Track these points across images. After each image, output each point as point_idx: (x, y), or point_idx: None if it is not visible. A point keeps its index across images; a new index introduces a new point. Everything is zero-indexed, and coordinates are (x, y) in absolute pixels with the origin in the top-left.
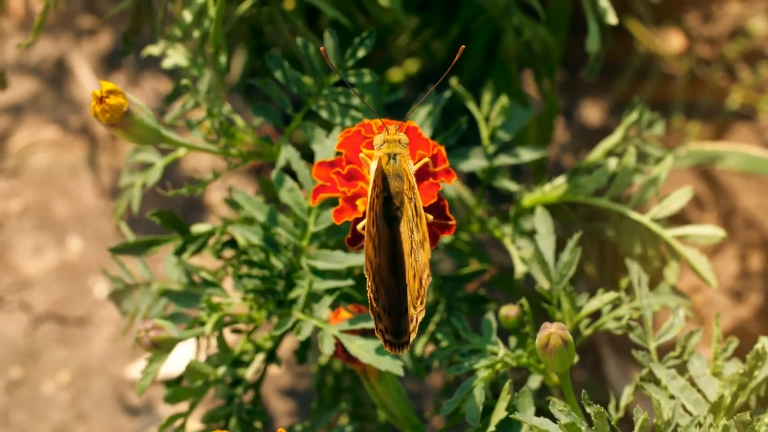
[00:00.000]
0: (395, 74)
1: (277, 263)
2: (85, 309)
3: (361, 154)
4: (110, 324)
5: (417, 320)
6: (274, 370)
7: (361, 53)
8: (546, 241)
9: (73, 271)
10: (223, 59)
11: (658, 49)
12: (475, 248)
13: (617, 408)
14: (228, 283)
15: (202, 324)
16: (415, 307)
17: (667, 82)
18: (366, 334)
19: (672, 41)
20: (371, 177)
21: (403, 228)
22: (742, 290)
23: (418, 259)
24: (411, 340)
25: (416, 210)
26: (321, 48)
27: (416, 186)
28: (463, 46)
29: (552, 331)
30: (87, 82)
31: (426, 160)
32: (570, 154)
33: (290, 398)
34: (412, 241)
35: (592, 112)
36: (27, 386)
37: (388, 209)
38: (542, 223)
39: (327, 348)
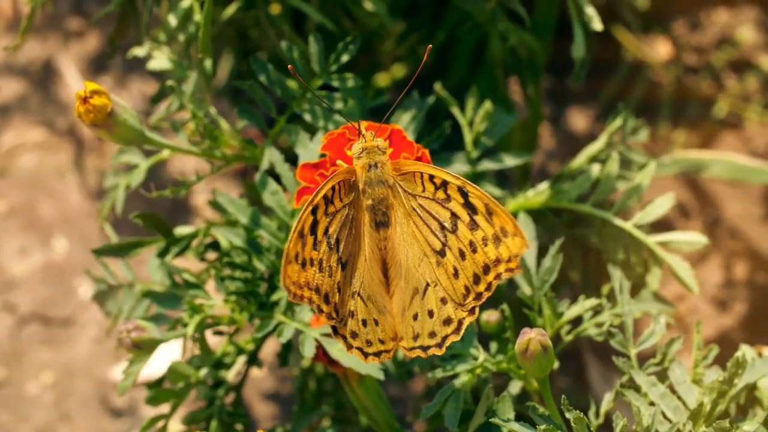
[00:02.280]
0: (382, 79)
1: (260, 265)
2: (70, 310)
3: (338, 161)
4: (95, 325)
5: (461, 324)
6: (257, 373)
7: (345, 58)
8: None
9: (58, 272)
10: (208, 63)
11: (645, 56)
12: None
13: (597, 414)
14: (211, 285)
15: (185, 325)
16: (463, 304)
17: (654, 89)
18: None
19: (659, 49)
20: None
21: (400, 230)
22: (727, 299)
23: (476, 253)
24: (448, 343)
25: (473, 208)
26: (290, 66)
27: (470, 183)
28: (430, 46)
29: (531, 337)
30: (74, 84)
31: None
32: (556, 160)
33: (273, 402)
34: (451, 239)
35: (578, 119)
36: (11, 387)
37: (374, 216)
38: (525, 229)
39: (308, 351)
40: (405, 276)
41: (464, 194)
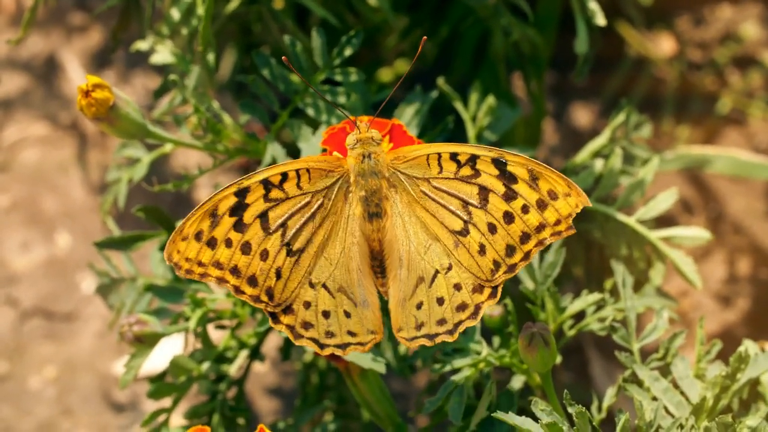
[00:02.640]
0: (385, 74)
1: None
2: (73, 305)
3: (335, 153)
4: (97, 320)
5: (478, 308)
6: (259, 368)
7: (347, 52)
8: None
9: (61, 266)
10: (211, 57)
11: (648, 52)
12: None
13: (600, 409)
14: None
15: (187, 319)
16: (480, 286)
17: (658, 85)
18: None
19: (663, 45)
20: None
21: (399, 221)
22: (730, 295)
23: (496, 233)
24: (460, 329)
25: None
26: (283, 57)
27: (546, 167)
28: (425, 38)
29: (534, 331)
30: (77, 79)
31: None
32: (559, 156)
33: (276, 397)
34: (469, 224)
35: (582, 115)
36: (13, 381)
37: (366, 207)
38: None
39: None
40: (407, 266)
41: (501, 164)
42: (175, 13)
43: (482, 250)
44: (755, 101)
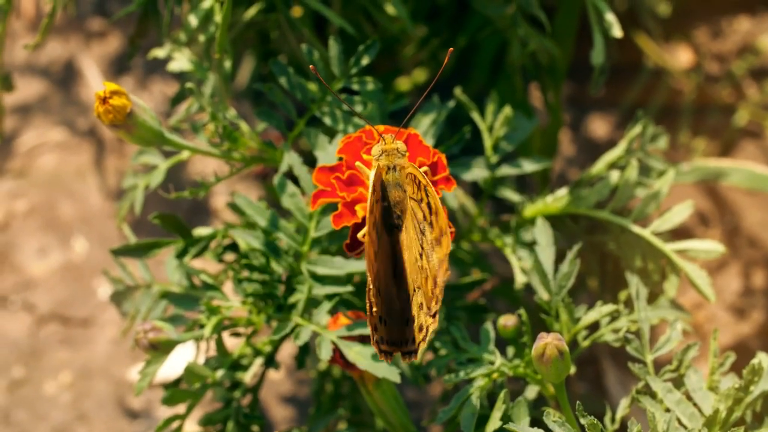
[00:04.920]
0: (403, 83)
1: (278, 268)
2: (89, 310)
3: (357, 163)
4: (113, 326)
5: (428, 330)
6: (274, 376)
7: (365, 61)
8: (546, 252)
9: (77, 272)
10: (228, 64)
11: (666, 63)
12: (477, 258)
13: (613, 420)
14: (228, 287)
15: (202, 327)
16: (429, 308)
17: (675, 97)
18: (364, 340)
19: (680, 56)
20: (370, 182)
21: (406, 236)
22: (745, 307)
23: (431, 259)
24: (420, 349)
25: (430, 208)
26: (311, 66)
27: (429, 183)
28: (451, 48)
29: (548, 341)
30: (95, 85)
31: (426, 168)
32: (576, 167)
33: (291, 405)
34: (423, 242)
35: (599, 126)
36: (29, 386)
37: (388, 218)
38: (542, 234)
39: (324, 353)
40: (407, 280)
41: (427, 194)
42: (193, 20)
43: (426, 277)
44: None
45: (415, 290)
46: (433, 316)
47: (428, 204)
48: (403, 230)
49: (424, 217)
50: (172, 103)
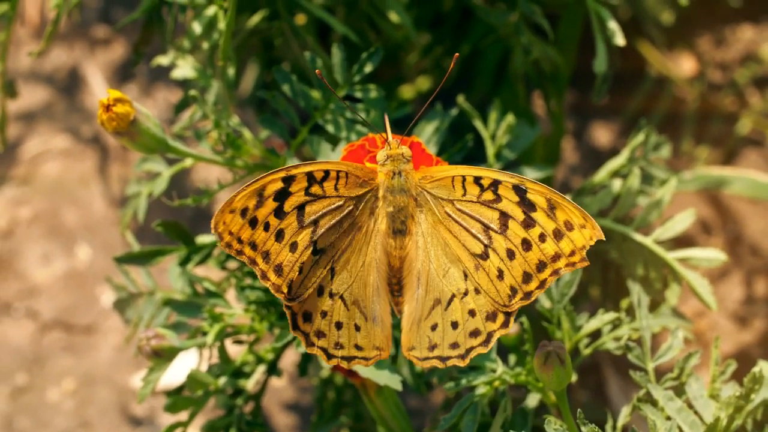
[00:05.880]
0: (407, 91)
1: None
2: (92, 318)
3: (368, 164)
4: (116, 333)
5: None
6: (278, 384)
7: (368, 68)
8: None
9: (81, 279)
10: (231, 71)
11: (669, 72)
12: None
13: (614, 428)
14: (231, 295)
15: (204, 334)
16: (506, 305)
17: (678, 105)
18: None
19: (684, 65)
20: None
21: (414, 242)
22: (747, 315)
23: (514, 258)
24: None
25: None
26: (317, 71)
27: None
28: (457, 54)
29: (550, 350)
30: (100, 92)
31: None
32: (579, 175)
33: (293, 412)
34: (489, 249)
35: (602, 134)
36: (32, 393)
37: (391, 224)
38: None
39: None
40: (426, 286)
41: (521, 192)
42: (197, 28)
43: (500, 275)
44: None
45: (452, 296)
46: (504, 323)
47: (526, 201)
48: (413, 235)
49: (505, 214)
50: (175, 110)
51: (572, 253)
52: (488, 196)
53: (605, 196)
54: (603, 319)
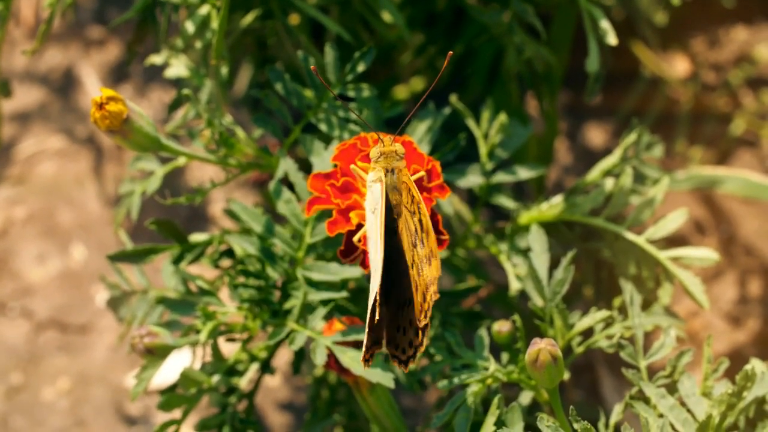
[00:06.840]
0: (400, 91)
1: (273, 273)
2: (87, 317)
3: (352, 166)
4: (111, 332)
5: (416, 348)
6: (271, 382)
7: (361, 68)
8: (540, 259)
9: (75, 279)
10: (224, 70)
11: (663, 72)
12: (473, 265)
13: (607, 425)
14: (224, 293)
15: (198, 332)
16: (419, 321)
17: (672, 105)
18: (358, 346)
19: (677, 65)
20: (376, 190)
21: (402, 240)
22: (741, 315)
23: (422, 273)
24: (416, 356)
25: (421, 225)
26: (312, 67)
27: (422, 200)
28: (450, 52)
29: (541, 347)
30: (94, 92)
31: (421, 174)
32: (572, 174)
33: (286, 411)
34: (415, 254)
35: (595, 134)
36: (27, 392)
37: (388, 222)
38: (537, 241)
39: (319, 358)
40: (399, 286)
41: (419, 209)
42: (190, 27)
43: (416, 288)
44: None
45: (408, 301)
46: (423, 330)
47: (420, 221)
48: (400, 235)
49: (416, 231)
50: (169, 109)
51: (433, 282)
52: (414, 207)
53: (597, 195)
54: (595, 317)
